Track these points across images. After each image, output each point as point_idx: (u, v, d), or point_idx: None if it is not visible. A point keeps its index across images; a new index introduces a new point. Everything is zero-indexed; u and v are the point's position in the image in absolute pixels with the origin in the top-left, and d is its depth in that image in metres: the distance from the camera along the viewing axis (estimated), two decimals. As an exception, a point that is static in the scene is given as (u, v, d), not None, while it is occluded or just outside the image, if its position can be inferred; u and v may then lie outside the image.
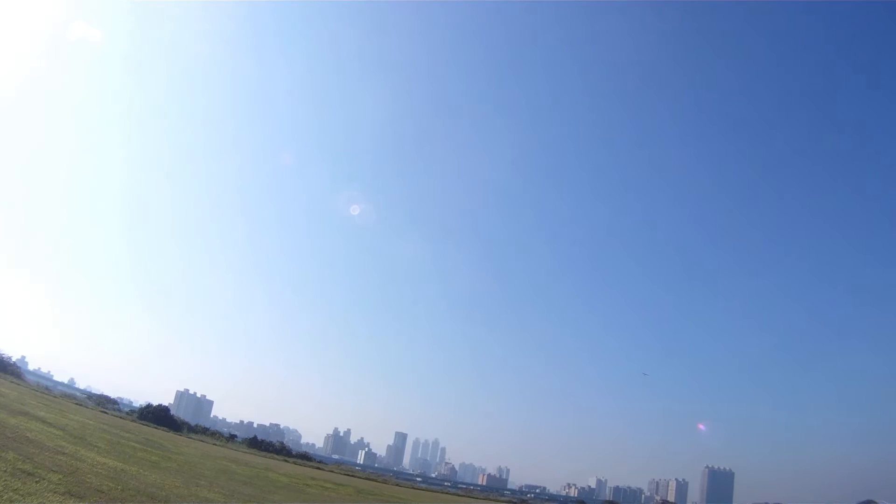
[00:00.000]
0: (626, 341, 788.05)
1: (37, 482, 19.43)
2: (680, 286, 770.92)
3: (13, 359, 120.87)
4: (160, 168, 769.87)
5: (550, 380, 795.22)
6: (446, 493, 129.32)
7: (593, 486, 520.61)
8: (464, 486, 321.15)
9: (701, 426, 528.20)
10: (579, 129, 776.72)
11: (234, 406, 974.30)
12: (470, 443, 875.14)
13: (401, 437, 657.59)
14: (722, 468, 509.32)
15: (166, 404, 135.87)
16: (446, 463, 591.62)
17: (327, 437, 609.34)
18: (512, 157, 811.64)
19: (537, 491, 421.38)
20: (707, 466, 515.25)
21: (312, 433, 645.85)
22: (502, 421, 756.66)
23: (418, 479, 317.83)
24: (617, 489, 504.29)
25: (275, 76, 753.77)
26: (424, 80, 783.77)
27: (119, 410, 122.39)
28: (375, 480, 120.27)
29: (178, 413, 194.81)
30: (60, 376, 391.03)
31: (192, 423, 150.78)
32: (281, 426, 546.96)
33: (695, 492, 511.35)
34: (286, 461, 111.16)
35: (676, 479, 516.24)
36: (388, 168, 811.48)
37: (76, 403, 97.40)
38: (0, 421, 33.01)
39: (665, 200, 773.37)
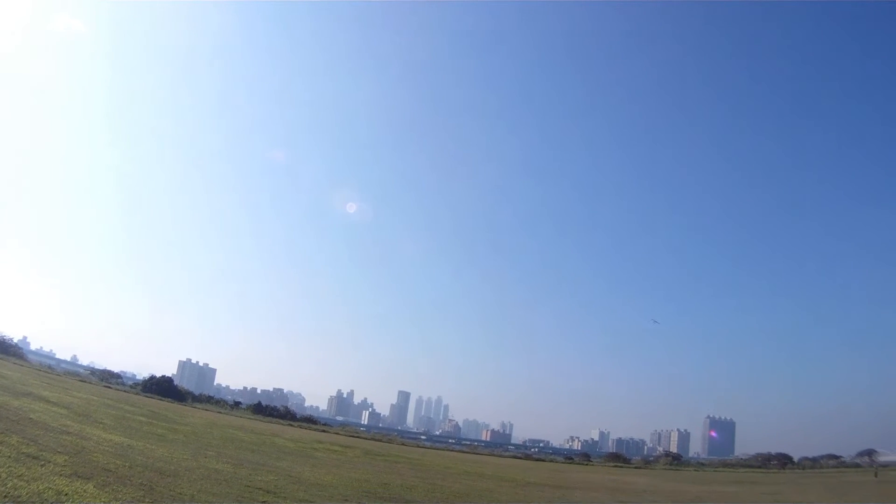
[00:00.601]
0: (626, 292, 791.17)
1: (42, 465, 19.25)
2: (682, 235, 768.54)
3: (14, 340, 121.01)
4: (154, 146, 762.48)
5: (552, 334, 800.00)
6: (451, 451, 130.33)
7: (596, 438, 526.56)
8: (468, 443, 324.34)
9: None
10: (582, 124, 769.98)
11: (236, 373, 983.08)
12: (473, 399, 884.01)
13: (404, 396, 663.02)
14: (723, 418, 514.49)
15: (169, 375, 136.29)
16: (450, 420, 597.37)
17: (331, 399, 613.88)
18: (511, 150, 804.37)
19: (541, 445, 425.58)
20: (708, 416, 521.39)
21: (316, 396, 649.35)
22: (504, 377, 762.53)
23: (423, 437, 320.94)
24: (620, 441, 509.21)
25: (269, 69, 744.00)
26: (423, 76, 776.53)
27: (123, 384, 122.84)
28: (381, 440, 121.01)
29: (182, 383, 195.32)
30: (63, 354, 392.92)
31: (196, 392, 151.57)
32: (284, 390, 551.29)
33: (696, 442, 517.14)
34: (291, 425, 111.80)
35: (678, 430, 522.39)
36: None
37: (80, 380, 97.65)
38: (3, 404, 32.81)
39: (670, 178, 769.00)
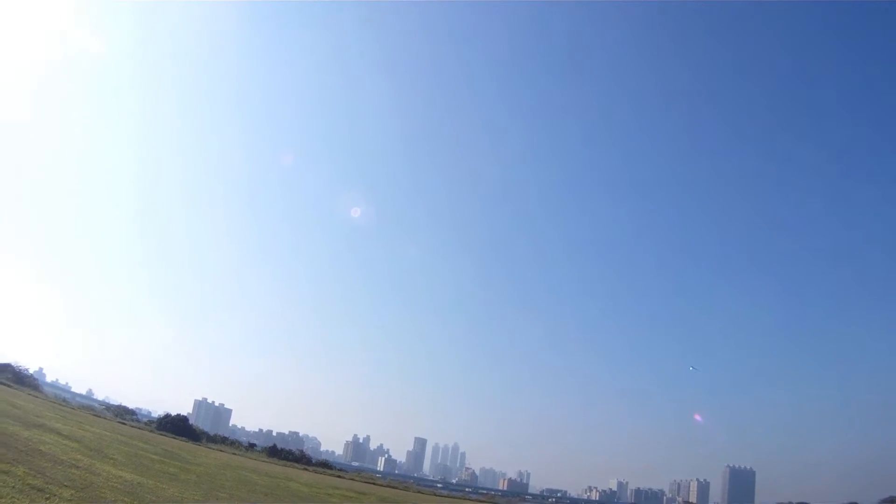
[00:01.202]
0: (641, 341, 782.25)
1: (46, 499, 18.34)
2: (694, 282, 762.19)
3: (30, 370, 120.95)
4: (171, 180, 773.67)
5: (568, 381, 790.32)
6: (468, 500, 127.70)
7: (614, 488, 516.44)
8: (485, 491, 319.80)
9: (697, 416, 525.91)
10: (587, 128, 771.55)
11: (252, 415, 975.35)
12: (490, 447, 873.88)
13: (420, 443, 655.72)
14: (743, 467, 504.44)
15: (185, 414, 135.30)
16: (466, 468, 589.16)
17: (347, 444, 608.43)
18: (516, 153, 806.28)
19: (559, 495, 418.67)
20: (728, 465, 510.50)
21: (332, 440, 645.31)
22: (521, 424, 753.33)
23: (439, 485, 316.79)
24: (638, 491, 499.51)
25: (274, 77, 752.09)
26: (428, 79, 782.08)
27: (138, 421, 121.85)
28: (397, 488, 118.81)
29: (197, 422, 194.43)
30: (79, 388, 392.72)
31: (211, 432, 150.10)
32: (300, 434, 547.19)
33: (716, 492, 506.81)
34: (306, 470, 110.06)
35: (698, 480, 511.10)
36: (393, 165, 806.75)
37: (94, 415, 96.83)
38: (13, 434, 32.00)
39: (677, 199, 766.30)
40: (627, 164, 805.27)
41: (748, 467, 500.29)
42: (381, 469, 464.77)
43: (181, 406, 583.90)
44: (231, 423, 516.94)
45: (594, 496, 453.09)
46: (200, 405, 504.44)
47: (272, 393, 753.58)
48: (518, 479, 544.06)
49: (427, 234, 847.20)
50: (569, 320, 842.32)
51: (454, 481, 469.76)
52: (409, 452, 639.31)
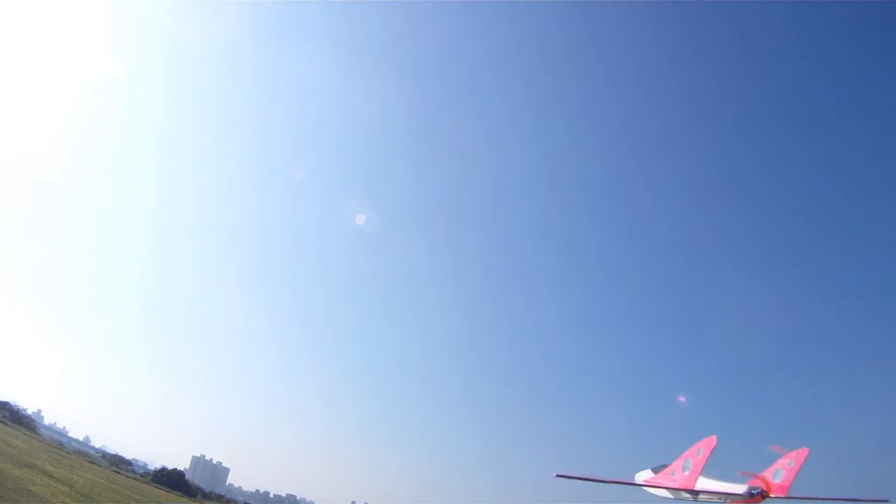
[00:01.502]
0: (649, 357, 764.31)
1: (27, 540, 16.99)
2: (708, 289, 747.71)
3: (29, 411, 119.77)
4: (176, 229, 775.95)
5: (574, 418, 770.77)
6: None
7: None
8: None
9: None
10: (595, 129, 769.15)
11: (250, 474, 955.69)
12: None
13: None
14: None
15: (181, 469, 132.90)
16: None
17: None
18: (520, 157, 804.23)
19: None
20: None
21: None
22: (527, 487, 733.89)
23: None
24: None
25: (279, 88, 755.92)
26: (432, 81, 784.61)
27: (133, 472, 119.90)
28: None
29: (194, 479, 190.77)
30: (76, 433, 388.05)
31: (207, 489, 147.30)
32: (297, 497, 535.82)
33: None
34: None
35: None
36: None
37: (89, 461, 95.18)
38: (3, 471, 30.70)
39: (690, 205, 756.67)
40: (641, 167, 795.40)
41: None
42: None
43: (178, 461, 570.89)
44: (228, 482, 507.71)
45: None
46: (198, 462, 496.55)
47: (269, 453, 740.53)
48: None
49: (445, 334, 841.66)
50: (573, 374, 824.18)
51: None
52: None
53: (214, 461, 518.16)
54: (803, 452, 58.12)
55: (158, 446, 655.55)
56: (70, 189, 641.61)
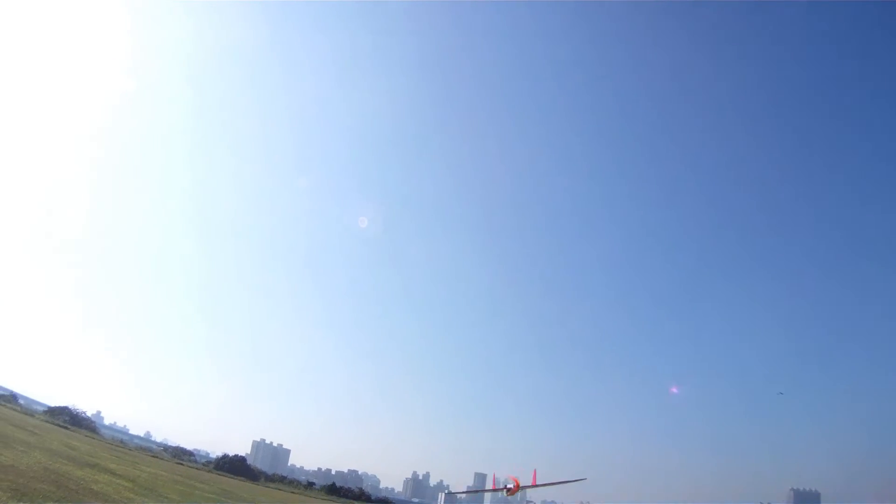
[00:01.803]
0: (702, 363, 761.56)
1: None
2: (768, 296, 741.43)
3: (88, 413, 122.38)
4: (222, 221, 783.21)
5: (616, 403, 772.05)
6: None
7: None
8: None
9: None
10: (595, 125, 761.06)
11: (311, 454, 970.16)
12: (550, 477, 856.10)
13: (480, 478, 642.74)
14: (808, 489, 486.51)
15: (243, 454, 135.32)
16: (528, 501, 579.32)
17: (406, 481, 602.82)
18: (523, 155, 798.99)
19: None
20: (792, 489, 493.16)
21: (391, 477, 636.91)
22: (582, 453, 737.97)
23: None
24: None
25: (283, 91, 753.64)
26: (432, 82, 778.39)
27: (195, 462, 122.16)
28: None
29: (255, 463, 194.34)
30: (136, 430, 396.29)
31: (269, 472, 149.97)
32: (359, 472, 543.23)
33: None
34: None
35: (761, 503, 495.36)
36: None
37: (152, 455, 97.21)
38: (65, 473, 31.35)
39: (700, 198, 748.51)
40: (653, 166, 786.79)
41: (813, 489, 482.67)
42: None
43: (239, 447, 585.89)
44: (290, 462, 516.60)
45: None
46: (259, 446, 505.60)
47: (331, 432, 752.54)
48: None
49: (479, 281, 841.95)
50: (618, 342, 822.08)
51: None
52: (468, 487, 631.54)
53: (275, 444, 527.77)
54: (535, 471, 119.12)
55: (219, 434, 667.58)
56: (106, 194, 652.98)
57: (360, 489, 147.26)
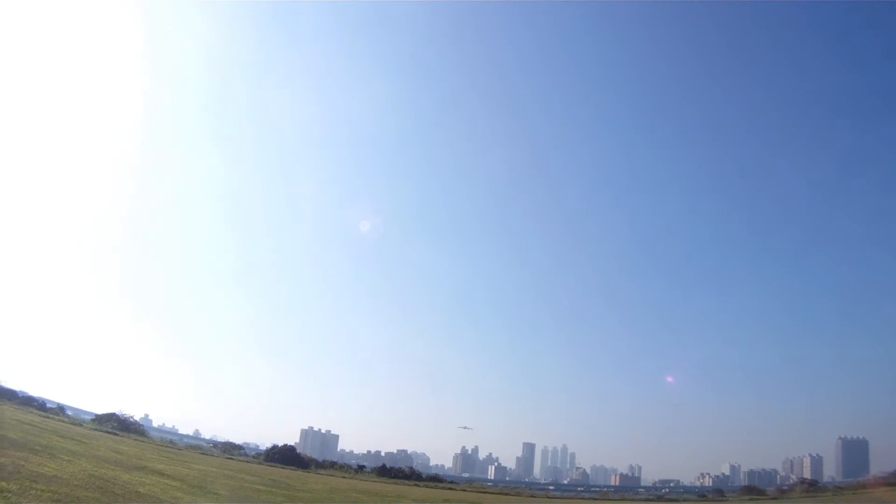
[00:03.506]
0: (741, 320, 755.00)
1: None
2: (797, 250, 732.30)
3: (136, 418, 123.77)
4: (259, 215, 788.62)
5: (670, 369, 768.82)
6: (580, 499, 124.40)
7: (727, 472, 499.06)
8: (597, 489, 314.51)
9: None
10: (592, 126, 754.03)
11: (359, 437, 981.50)
12: (599, 444, 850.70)
13: (529, 448, 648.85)
14: (856, 437, 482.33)
15: (292, 444, 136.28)
16: (577, 468, 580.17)
17: (455, 457, 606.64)
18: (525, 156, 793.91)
19: (671, 485, 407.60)
20: (840, 437, 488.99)
21: (440, 454, 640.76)
22: (629, 418, 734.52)
23: (551, 487, 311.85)
24: (751, 473, 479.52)
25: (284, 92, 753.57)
26: (432, 83, 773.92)
27: (245, 455, 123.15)
28: (509, 494, 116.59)
29: (305, 451, 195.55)
30: (185, 429, 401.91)
31: (319, 459, 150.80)
32: (408, 451, 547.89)
33: (830, 465, 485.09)
34: (417, 486, 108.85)
35: (810, 455, 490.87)
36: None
37: (202, 453, 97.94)
38: (111, 479, 31.03)
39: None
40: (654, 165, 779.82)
41: (861, 437, 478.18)
42: (492, 477, 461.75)
43: (288, 437, 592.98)
44: (339, 448, 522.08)
45: (707, 482, 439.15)
46: (307, 434, 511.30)
47: (378, 414, 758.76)
48: (629, 474, 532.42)
49: (504, 241, 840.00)
50: (659, 307, 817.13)
51: (566, 482, 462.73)
52: (518, 458, 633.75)
53: (323, 430, 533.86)
54: None
55: (267, 426, 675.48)
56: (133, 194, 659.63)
57: (411, 468, 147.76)
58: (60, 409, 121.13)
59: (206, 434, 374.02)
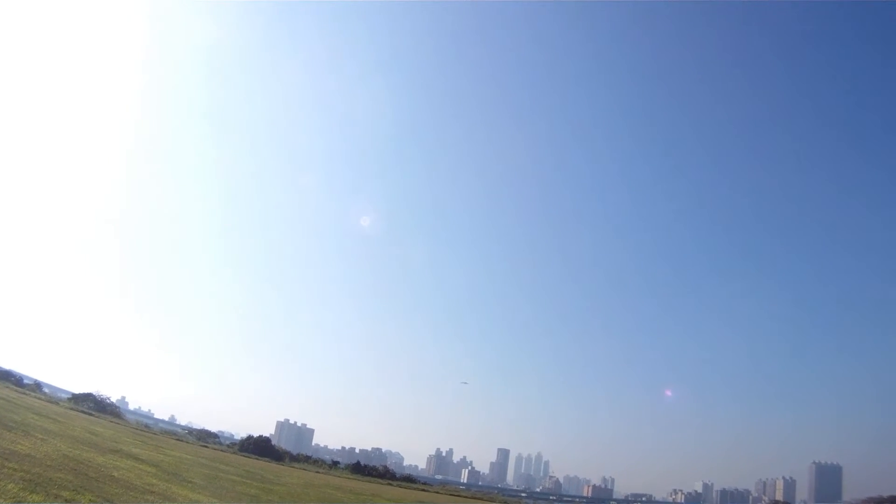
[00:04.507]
0: (723, 337, 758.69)
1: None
2: (780, 279, 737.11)
3: (112, 399, 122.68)
4: (243, 212, 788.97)
5: (650, 383, 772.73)
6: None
7: (700, 490, 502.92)
8: (569, 499, 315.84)
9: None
10: (592, 127, 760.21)
11: (334, 433, 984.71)
12: (573, 454, 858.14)
13: (503, 454, 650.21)
14: (829, 463, 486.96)
15: (267, 435, 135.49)
16: (550, 476, 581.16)
17: (429, 458, 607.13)
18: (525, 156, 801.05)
19: (643, 499, 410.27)
20: (814, 462, 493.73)
21: (414, 455, 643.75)
22: (604, 430, 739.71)
23: (523, 494, 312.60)
24: (724, 492, 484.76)
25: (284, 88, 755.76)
26: (433, 84, 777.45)
27: (220, 444, 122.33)
28: (482, 499, 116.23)
29: (280, 443, 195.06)
30: (161, 414, 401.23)
31: (294, 452, 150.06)
32: (383, 450, 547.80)
33: (803, 489, 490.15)
34: (390, 485, 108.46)
35: (784, 478, 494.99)
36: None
37: (176, 439, 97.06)
38: (85, 460, 30.48)
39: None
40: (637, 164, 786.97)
41: (835, 463, 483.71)
42: (465, 481, 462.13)
43: (264, 428, 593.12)
44: (314, 442, 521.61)
45: (679, 499, 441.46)
46: (283, 426, 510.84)
47: (354, 411, 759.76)
48: (602, 486, 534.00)
49: (497, 249, 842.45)
50: (638, 324, 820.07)
51: (538, 490, 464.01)
52: (492, 464, 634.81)
53: (299, 424, 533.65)
54: None
55: (243, 416, 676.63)
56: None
57: (385, 467, 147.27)
58: (37, 386, 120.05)
59: (182, 420, 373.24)
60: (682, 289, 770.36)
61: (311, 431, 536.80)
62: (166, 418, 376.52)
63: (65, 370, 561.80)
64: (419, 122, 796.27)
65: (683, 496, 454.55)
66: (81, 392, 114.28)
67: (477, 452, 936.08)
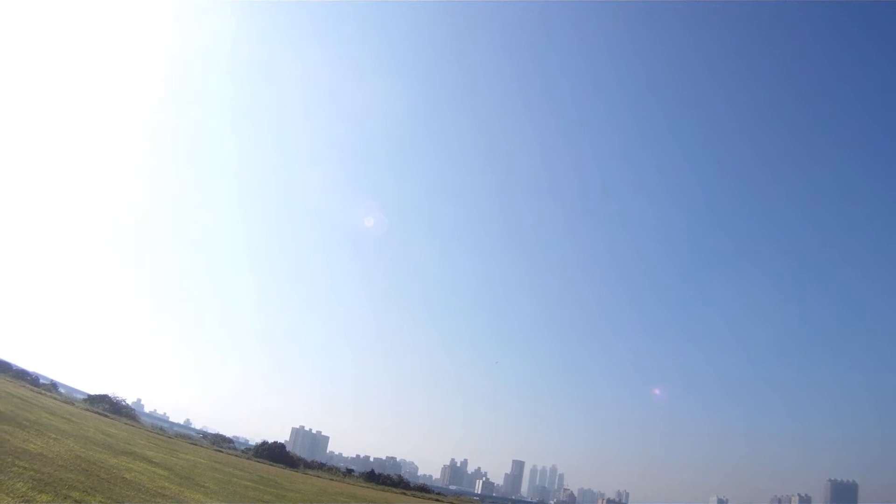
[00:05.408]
0: (739, 354, 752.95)
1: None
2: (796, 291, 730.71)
3: (128, 401, 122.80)
4: (260, 220, 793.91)
5: (666, 399, 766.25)
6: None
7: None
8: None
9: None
10: (595, 126, 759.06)
11: (349, 441, 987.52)
12: (588, 467, 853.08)
13: (518, 465, 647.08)
14: (845, 480, 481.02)
15: (282, 441, 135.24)
16: (565, 489, 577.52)
17: (444, 468, 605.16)
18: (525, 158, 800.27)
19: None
20: (829, 479, 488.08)
21: (429, 464, 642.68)
22: (621, 444, 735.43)
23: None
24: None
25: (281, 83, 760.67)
26: (435, 83, 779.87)
27: (234, 449, 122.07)
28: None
29: (294, 450, 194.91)
30: (176, 417, 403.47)
31: (309, 459, 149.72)
32: (397, 459, 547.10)
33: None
34: (404, 494, 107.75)
35: (799, 495, 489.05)
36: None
37: (190, 443, 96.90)
38: (97, 461, 30.06)
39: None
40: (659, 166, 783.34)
41: (850, 480, 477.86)
42: (479, 492, 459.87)
43: (279, 434, 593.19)
44: (329, 449, 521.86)
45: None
46: (298, 433, 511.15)
47: (369, 419, 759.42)
48: (617, 499, 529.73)
49: (507, 256, 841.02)
50: (655, 337, 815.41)
51: (553, 502, 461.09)
52: (506, 475, 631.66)
53: (314, 431, 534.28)
54: None
55: (259, 422, 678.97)
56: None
57: (399, 476, 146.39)
58: (53, 386, 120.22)
59: (197, 424, 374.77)
60: (701, 302, 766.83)
61: (326, 439, 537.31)
62: (181, 422, 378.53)
63: (82, 371, 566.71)
64: (421, 122, 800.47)
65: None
66: (97, 393, 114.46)
67: (491, 463, 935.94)
